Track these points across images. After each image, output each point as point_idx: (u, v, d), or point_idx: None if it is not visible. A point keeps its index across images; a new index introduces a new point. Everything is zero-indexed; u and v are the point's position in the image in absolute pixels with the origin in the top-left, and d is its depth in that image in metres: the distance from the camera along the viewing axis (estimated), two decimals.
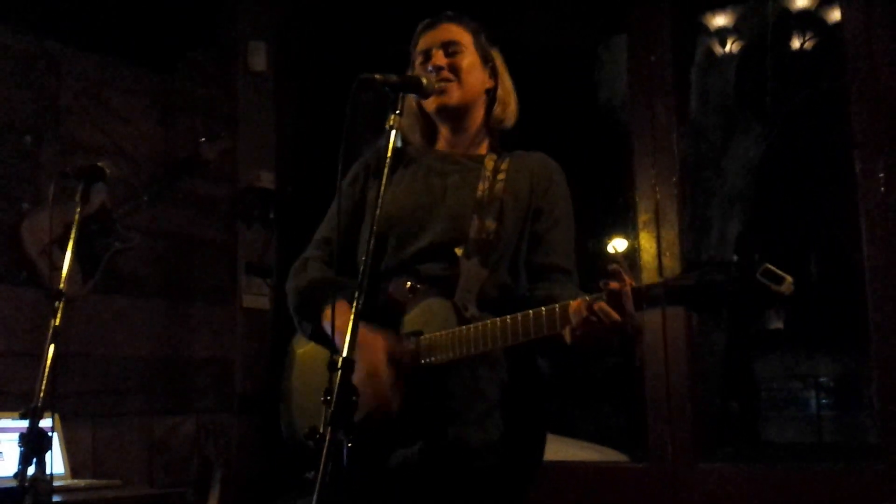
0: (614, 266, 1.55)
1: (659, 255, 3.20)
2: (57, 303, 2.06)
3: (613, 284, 1.54)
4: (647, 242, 3.28)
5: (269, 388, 4.01)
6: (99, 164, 2.13)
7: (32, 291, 3.19)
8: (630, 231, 3.42)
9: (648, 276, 3.19)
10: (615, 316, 1.53)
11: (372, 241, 1.57)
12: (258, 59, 4.18)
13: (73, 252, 2.13)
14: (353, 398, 1.43)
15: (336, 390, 1.42)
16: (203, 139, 3.75)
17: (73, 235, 2.08)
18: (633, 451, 3.88)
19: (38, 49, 3.42)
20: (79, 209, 2.10)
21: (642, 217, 3.29)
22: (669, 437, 3.08)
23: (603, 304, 1.54)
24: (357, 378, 1.44)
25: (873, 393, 2.79)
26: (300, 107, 4.24)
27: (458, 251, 1.83)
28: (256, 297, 4.04)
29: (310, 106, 4.19)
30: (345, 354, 1.46)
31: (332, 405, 1.42)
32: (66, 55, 3.50)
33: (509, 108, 2.02)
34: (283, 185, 4.16)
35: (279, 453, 3.88)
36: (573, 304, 1.59)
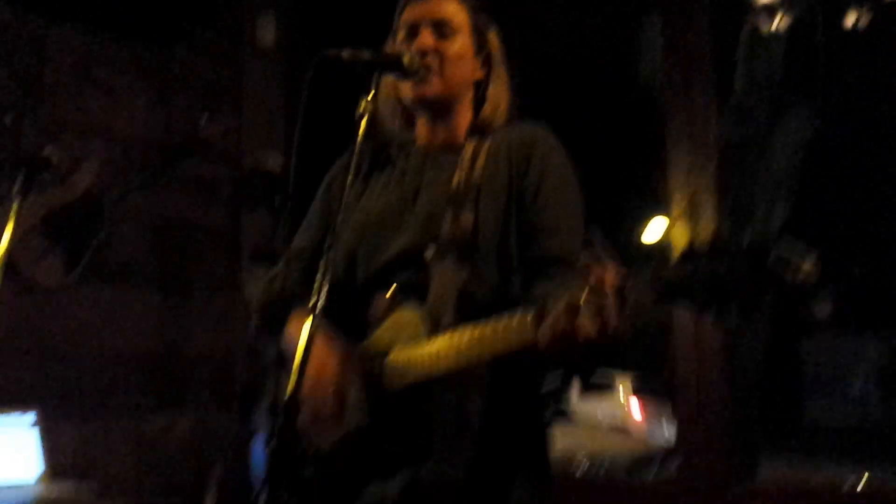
0: (586, 264, 1.24)
1: None
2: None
3: (595, 281, 1.22)
4: (680, 234, 3.01)
5: None
6: (45, 153, 1.90)
7: (10, 283, 2.99)
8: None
9: None
10: (591, 331, 1.22)
11: (332, 254, 1.34)
12: (266, 35, 3.97)
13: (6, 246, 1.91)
14: (300, 449, 1.21)
15: (275, 440, 1.18)
16: (204, 116, 3.52)
17: (9, 228, 1.86)
18: None
19: (20, 24, 3.21)
20: (15, 205, 1.86)
21: (676, 207, 3.01)
22: (702, 460, 2.82)
23: (580, 318, 1.22)
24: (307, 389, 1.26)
25: None
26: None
27: (428, 253, 1.56)
28: None
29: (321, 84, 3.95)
30: (287, 394, 1.21)
31: (270, 458, 1.18)
32: (52, 29, 3.27)
33: (500, 108, 1.71)
34: (290, 168, 3.93)
35: None
36: (549, 314, 1.27)
